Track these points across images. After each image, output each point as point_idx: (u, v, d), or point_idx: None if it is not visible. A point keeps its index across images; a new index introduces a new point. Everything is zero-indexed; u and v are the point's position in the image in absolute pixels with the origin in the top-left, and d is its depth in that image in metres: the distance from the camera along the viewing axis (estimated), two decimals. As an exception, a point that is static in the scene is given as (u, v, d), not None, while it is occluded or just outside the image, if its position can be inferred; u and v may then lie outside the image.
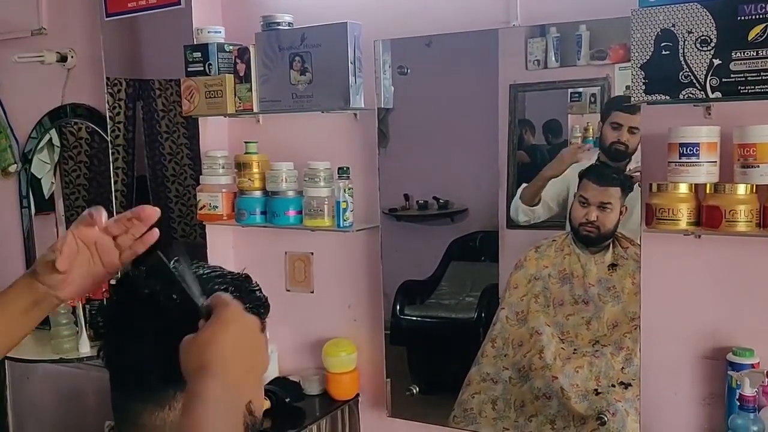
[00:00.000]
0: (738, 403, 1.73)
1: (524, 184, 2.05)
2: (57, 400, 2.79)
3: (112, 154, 2.73)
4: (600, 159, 1.95)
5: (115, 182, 2.75)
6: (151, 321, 0.90)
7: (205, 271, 0.97)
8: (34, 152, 3.04)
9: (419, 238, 2.33)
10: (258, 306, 0.97)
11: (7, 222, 3.15)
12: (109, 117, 2.70)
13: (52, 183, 3.09)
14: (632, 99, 1.75)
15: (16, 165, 3.05)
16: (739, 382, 1.74)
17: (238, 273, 1.00)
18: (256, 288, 1.00)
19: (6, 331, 1.03)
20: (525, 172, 2.07)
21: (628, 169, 1.90)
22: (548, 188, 2.02)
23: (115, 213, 2.72)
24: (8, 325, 1.03)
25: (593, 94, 1.94)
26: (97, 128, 2.83)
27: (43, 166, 3.09)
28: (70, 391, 2.73)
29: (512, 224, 2.09)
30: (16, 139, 3.05)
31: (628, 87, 1.77)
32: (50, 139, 3.03)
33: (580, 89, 1.95)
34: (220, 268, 1.00)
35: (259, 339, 0.89)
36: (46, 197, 3.12)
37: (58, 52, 2.81)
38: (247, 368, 0.85)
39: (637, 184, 1.88)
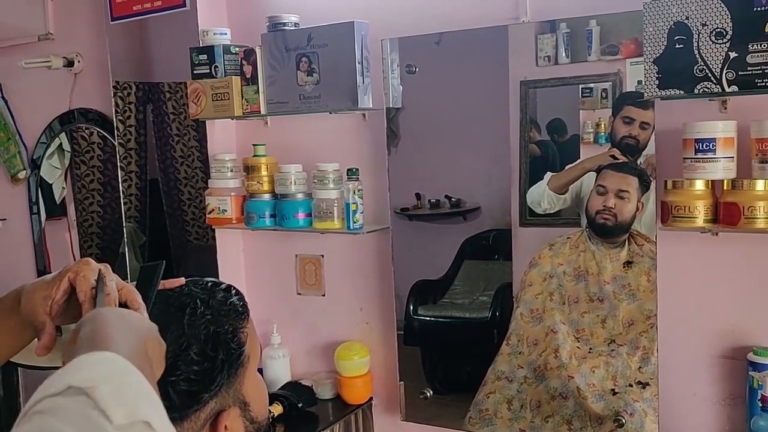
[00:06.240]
0: (760, 404, 1.70)
1: (550, 173, 2.01)
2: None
3: (125, 158, 2.72)
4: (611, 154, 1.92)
5: (129, 186, 2.74)
6: None
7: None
8: (43, 158, 3.03)
9: (432, 237, 2.31)
10: (236, 316, 0.95)
11: (17, 228, 3.15)
12: (120, 120, 2.69)
13: (63, 188, 3.08)
14: (645, 94, 1.72)
15: (25, 171, 3.05)
16: (760, 383, 1.71)
17: (213, 282, 0.97)
18: (231, 296, 0.96)
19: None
20: (543, 164, 2.04)
21: (639, 163, 1.87)
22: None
23: (124, 217, 2.72)
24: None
25: (605, 90, 1.92)
26: (106, 133, 2.82)
27: (53, 171, 3.08)
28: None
29: (525, 222, 2.06)
30: (24, 145, 3.05)
31: (640, 82, 1.74)
32: (60, 144, 3.02)
33: (592, 85, 1.93)
34: (195, 281, 0.98)
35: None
36: (57, 202, 3.11)
37: (64, 57, 2.80)
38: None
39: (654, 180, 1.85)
